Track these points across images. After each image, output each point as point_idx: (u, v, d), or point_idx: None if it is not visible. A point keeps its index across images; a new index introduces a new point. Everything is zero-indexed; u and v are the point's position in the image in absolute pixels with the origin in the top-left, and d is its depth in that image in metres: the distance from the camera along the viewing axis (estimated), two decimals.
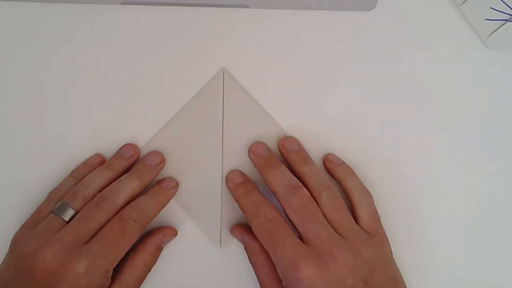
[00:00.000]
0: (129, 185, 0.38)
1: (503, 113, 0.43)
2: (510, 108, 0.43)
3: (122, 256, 0.36)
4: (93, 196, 0.38)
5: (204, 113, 0.41)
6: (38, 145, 0.41)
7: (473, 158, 0.42)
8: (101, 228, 0.36)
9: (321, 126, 0.42)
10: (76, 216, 0.37)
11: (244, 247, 0.39)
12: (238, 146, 0.41)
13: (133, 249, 0.38)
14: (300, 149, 0.41)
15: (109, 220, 0.37)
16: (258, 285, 0.38)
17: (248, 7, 0.43)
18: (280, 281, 0.36)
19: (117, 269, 0.37)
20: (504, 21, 0.42)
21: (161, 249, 0.40)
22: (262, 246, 0.37)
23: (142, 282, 0.38)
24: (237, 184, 0.40)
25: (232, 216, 0.41)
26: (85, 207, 0.37)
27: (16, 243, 0.37)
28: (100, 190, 0.38)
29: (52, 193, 0.39)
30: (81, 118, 0.42)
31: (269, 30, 0.43)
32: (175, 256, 0.41)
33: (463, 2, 0.43)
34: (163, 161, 0.40)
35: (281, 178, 0.38)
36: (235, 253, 0.41)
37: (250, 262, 0.39)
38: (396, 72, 0.43)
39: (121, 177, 0.39)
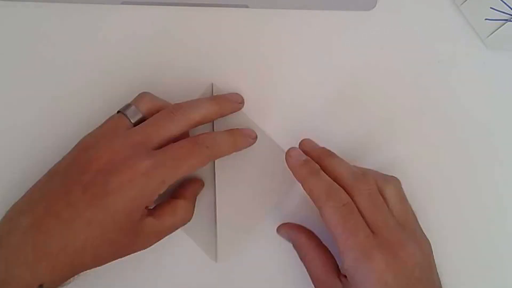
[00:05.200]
0: (207, 106, 0.37)
1: (503, 113, 0.43)
2: (510, 108, 0.43)
3: (182, 176, 0.35)
4: (160, 106, 0.37)
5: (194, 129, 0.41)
6: (37, 145, 0.41)
7: (473, 158, 0.42)
8: (170, 139, 0.35)
9: (321, 127, 0.42)
10: (148, 120, 0.36)
11: (293, 244, 0.39)
12: (230, 159, 0.40)
13: (177, 196, 0.37)
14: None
15: (180, 133, 0.36)
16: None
17: (248, 7, 0.43)
18: (335, 271, 0.36)
19: (159, 209, 0.36)
20: (504, 21, 0.42)
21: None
22: (310, 239, 0.37)
23: (172, 231, 0.37)
24: (302, 162, 0.37)
25: (228, 229, 0.40)
26: (158, 113, 0.36)
27: (82, 140, 0.36)
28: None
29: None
30: (80, 118, 0.41)
31: (269, 30, 0.43)
32: (170, 272, 0.40)
33: (463, 2, 0.43)
34: (242, 102, 0.40)
35: (344, 167, 0.37)
36: (231, 267, 0.40)
37: (300, 256, 0.38)
38: (396, 72, 0.43)
39: (200, 98, 0.38)
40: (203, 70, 0.42)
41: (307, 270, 0.38)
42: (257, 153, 0.41)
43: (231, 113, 0.40)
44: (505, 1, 0.41)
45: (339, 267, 0.37)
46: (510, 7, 0.41)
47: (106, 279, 0.39)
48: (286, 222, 0.40)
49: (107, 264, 0.35)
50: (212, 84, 0.42)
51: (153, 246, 0.37)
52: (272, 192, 0.41)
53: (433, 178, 0.42)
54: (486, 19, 0.42)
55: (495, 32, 0.42)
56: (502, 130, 0.43)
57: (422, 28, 0.43)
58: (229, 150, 0.38)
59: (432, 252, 0.36)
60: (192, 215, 0.38)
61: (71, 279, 0.34)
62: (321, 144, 0.41)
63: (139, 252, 0.37)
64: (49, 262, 0.32)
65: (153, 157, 0.34)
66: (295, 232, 0.39)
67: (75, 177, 0.33)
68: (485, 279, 0.42)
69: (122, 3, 0.42)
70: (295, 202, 0.41)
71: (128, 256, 0.36)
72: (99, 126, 0.37)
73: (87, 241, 0.33)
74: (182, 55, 0.42)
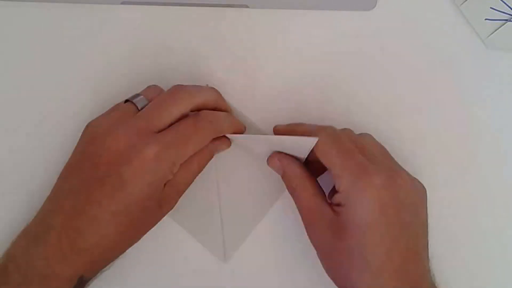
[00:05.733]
0: (208, 92, 0.38)
1: (503, 113, 0.43)
2: (510, 108, 0.43)
3: (190, 154, 0.36)
4: None
5: None
6: (38, 145, 0.41)
7: (472, 157, 0.42)
8: (173, 121, 0.36)
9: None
10: (150, 103, 0.36)
11: (282, 176, 0.38)
12: (231, 161, 0.41)
13: None
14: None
15: (182, 114, 0.36)
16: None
17: (248, 7, 0.43)
18: (324, 199, 0.36)
19: None
20: (504, 21, 0.42)
21: (212, 156, 0.39)
22: (303, 170, 0.37)
23: (191, 183, 0.38)
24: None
25: (233, 228, 0.40)
26: (160, 95, 0.37)
27: (88, 127, 0.36)
28: None
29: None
30: (80, 117, 0.41)
31: (269, 30, 0.43)
32: (181, 276, 0.40)
33: (463, 2, 0.43)
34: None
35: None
36: (240, 265, 0.40)
37: (289, 188, 0.38)
38: (396, 72, 0.43)
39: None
40: (203, 70, 0.42)
41: (296, 201, 0.37)
42: (254, 153, 0.40)
43: (222, 109, 0.39)
44: (505, 1, 0.41)
45: (334, 194, 0.36)
46: (510, 7, 0.41)
47: (107, 281, 0.39)
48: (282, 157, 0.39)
49: (111, 266, 0.36)
50: (207, 85, 0.42)
51: (156, 246, 0.39)
52: (274, 189, 0.41)
53: (432, 177, 0.42)
54: (486, 19, 0.42)
55: (495, 32, 0.42)
56: (502, 129, 0.43)
57: (422, 28, 0.43)
58: (228, 129, 0.38)
59: (425, 197, 0.37)
60: (206, 164, 0.39)
61: (110, 265, 0.36)
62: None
63: (143, 254, 0.39)
64: (86, 257, 0.33)
65: (159, 141, 0.34)
66: (285, 161, 0.38)
67: (89, 172, 0.34)
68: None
69: (122, 3, 0.42)
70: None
71: (133, 256, 0.38)
72: (105, 114, 0.37)
73: (117, 231, 0.34)
74: (182, 55, 0.42)
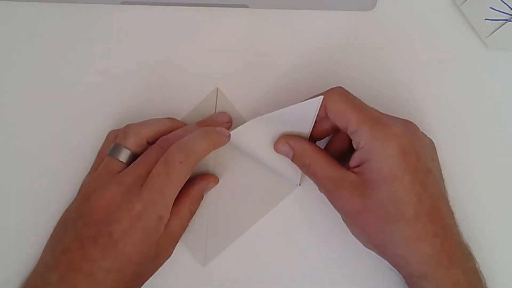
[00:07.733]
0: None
1: (503, 113, 0.43)
2: (510, 108, 0.43)
3: (173, 200, 0.35)
4: (147, 135, 0.37)
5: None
6: (38, 145, 0.41)
7: (472, 157, 0.42)
8: None
9: None
10: (138, 159, 0.36)
11: (293, 157, 0.38)
12: (224, 171, 0.41)
13: (178, 195, 0.37)
14: None
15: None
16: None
17: (248, 7, 0.43)
18: (342, 167, 0.36)
19: None
20: (504, 21, 0.42)
21: (203, 196, 0.39)
22: (311, 144, 0.37)
23: (185, 228, 0.38)
24: None
25: (217, 234, 0.40)
26: (147, 150, 0.37)
27: (82, 186, 0.37)
28: (156, 134, 0.37)
29: (111, 132, 0.39)
30: (80, 118, 0.41)
31: (269, 30, 0.43)
32: (157, 276, 0.39)
33: (463, 2, 0.43)
34: (230, 121, 0.40)
35: None
36: (218, 272, 0.40)
37: (303, 167, 0.38)
38: (396, 72, 0.43)
39: (186, 126, 0.38)
40: (203, 70, 0.42)
41: (313, 177, 0.37)
42: (252, 159, 0.40)
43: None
44: (505, 1, 0.41)
45: (353, 155, 0.36)
46: (510, 7, 0.41)
47: None
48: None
49: None
50: (217, 89, 0.42)
51: None
52: (263, 204, 0.41)
53: None
54: (486, 19, 0.42)
55: (495, 32, 0.42)
56: (502, 129, 0.43)
57: (422, 28, 0.43)
58: (206, 152, 0.37)
59: (434, 146, 0.38)
60: (198, 205, 0.39)
61: None
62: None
63: None
64: None
65: (141, 198, 0.34)
66: (292, 141, 0.37)
67: (82, 230, 0.35)
68: None
69: (122, 3, 0.42)
70: (285, 212, 0.41)
71: None
72: (93, 169, 0.38)
73: (112, 287, 0.34)
74: (182, 55, 0.42)
